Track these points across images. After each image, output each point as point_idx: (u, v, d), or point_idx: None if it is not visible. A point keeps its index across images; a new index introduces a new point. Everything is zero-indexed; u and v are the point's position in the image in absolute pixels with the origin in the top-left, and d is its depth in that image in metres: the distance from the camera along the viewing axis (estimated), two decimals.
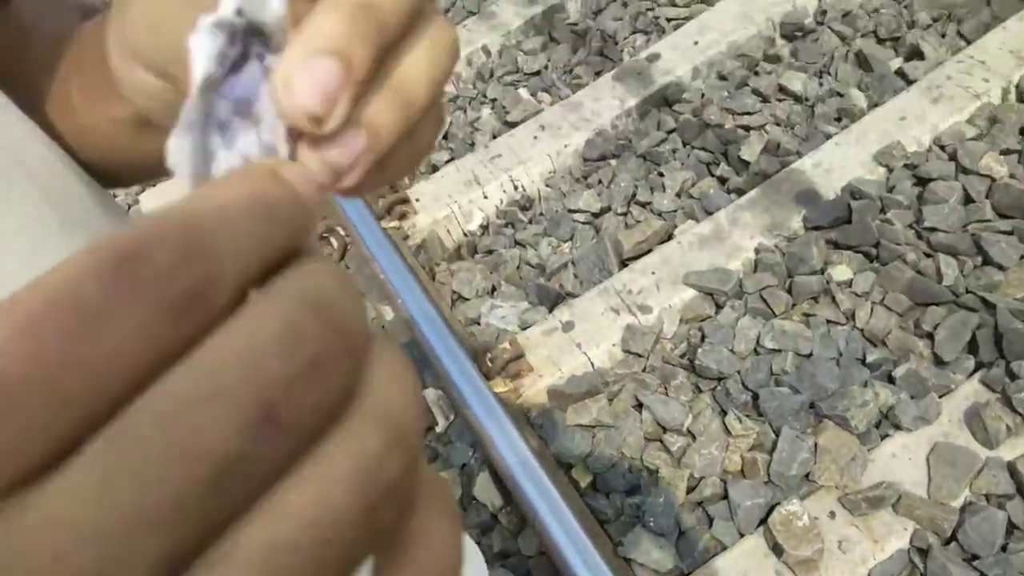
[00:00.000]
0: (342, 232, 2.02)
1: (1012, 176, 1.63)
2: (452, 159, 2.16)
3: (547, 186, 2.05)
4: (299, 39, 0.23)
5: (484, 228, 2.02)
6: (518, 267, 1.89)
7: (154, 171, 0.44)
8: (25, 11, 0.47)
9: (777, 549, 1.27)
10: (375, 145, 0.24)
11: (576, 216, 1.92)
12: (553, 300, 1.77)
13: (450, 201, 2.00)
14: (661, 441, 1.48)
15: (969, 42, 1.94)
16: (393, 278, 1.81)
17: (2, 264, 0.34)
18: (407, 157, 0.27)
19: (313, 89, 0.22)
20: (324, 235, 2.02)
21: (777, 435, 1.40)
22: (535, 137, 2.06)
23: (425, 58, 0.25)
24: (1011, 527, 1.24)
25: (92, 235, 0.39)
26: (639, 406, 1.53)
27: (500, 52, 2.40)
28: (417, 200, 2.02)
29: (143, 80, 0.32)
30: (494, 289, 1.86)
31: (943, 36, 2.00)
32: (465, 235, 2.02)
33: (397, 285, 1.80)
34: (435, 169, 2.13)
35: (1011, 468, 1.28)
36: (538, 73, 2.31)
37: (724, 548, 1.32)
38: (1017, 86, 1.81)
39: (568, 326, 1.66)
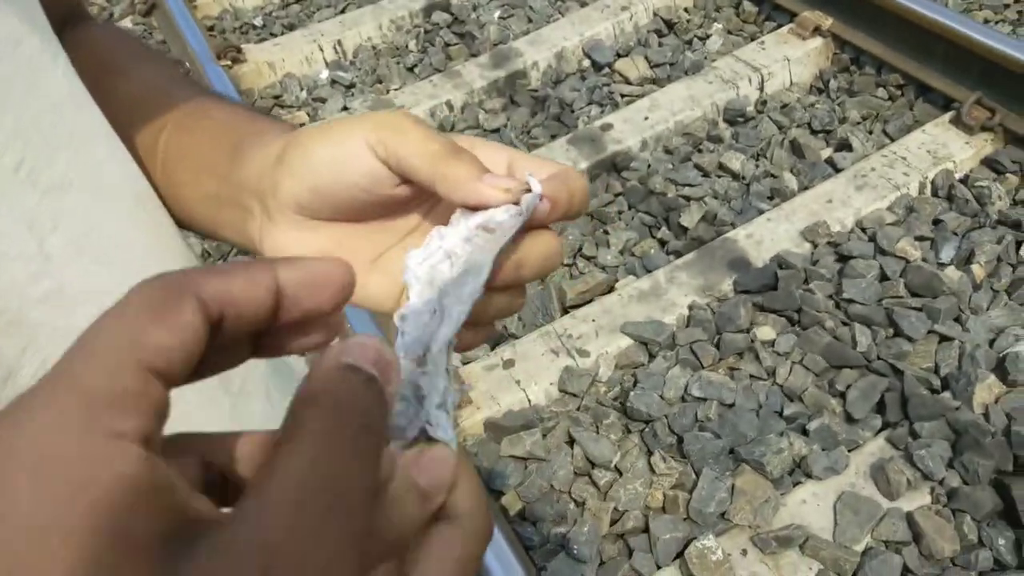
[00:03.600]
0: None
1: (924, 260, 1.79)
2: None
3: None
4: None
5: None
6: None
7: (192, 226, 0.53)
8: (118, 50, 0.56)
9: None
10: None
11: None
12: (496, 339, 1.85)
13: None
14: (589, 476, 1.55)
15: (893, 140, 2.13)
16: (350, 314, 1.87)
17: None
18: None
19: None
20: None
21: (698, 476, 1.48)
22: None
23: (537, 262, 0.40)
24: (905, 570, 1.33)
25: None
26: (571, 442, 1.60)
27: (463, 108, 2.53)
28: None
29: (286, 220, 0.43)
30: None
31: (870, 133, 2.19)
32: None
33: (349, 313, 1.85)
34: None
35: (909, 518, 1.38)
36: (497, 131, 2.43)
37: None
38: (933, 182, 1.99)
39: (508, 363, 1.73)
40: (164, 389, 0.24)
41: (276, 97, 2.68)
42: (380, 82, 2.71)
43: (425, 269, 0.36)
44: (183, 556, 0.21)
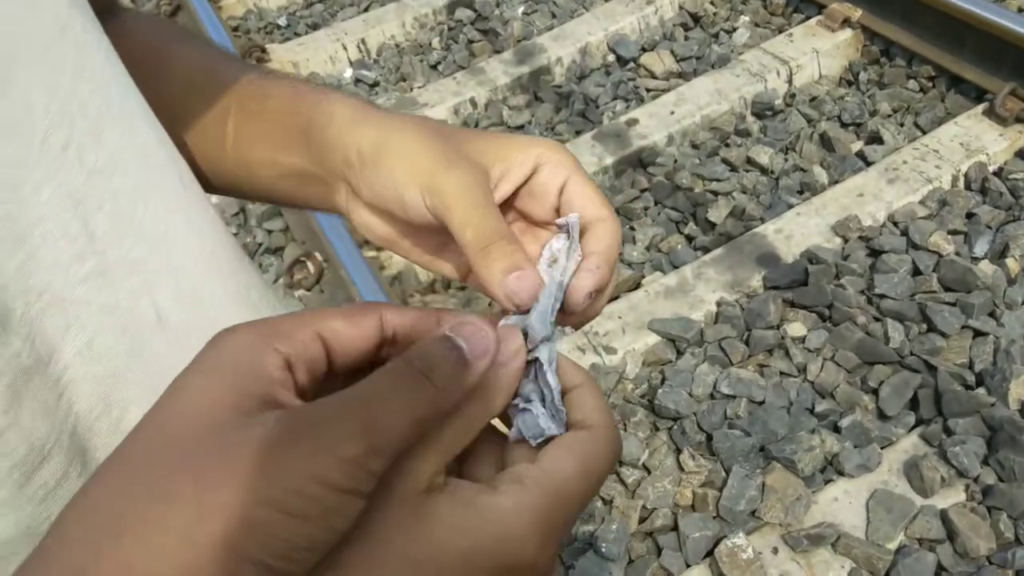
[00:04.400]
0: (319, 257, 2.07)
1: (958, 254, 1.76)
2: None
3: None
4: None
5: None
6: (490, 303, 1.96)
7: (269, 199, 0.59)
8: (158, 37, 0.58)
9: None
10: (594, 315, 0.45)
11: None
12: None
13: None
14: (617, 474, 1.54)
15: (924, 132, 2.10)
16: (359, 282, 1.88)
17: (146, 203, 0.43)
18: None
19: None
20: (301, 259, 2.07)
21: (727, 473, 1.46)
22: None
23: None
24: (940, 569, 1.31)
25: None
26: None
27: (487, 105, 2.52)
28: None
29: (369, 218, 0.49)
30: None
31: (901, 125, 2.16)
32: None
33: (359, 284, 1.86)
34: None
35: (943, 516, 1.36)
36: (522, 127, 2.42)
37: None
38: (965, 175, 1.96)
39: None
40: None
41: None
42: (404, 80, 2.72)
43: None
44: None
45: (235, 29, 3.12)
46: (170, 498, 0.28)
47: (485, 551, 0.31)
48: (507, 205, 0.47)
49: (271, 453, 0.28)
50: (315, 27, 3.05)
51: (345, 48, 2.82)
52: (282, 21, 3.15)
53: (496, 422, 0.39)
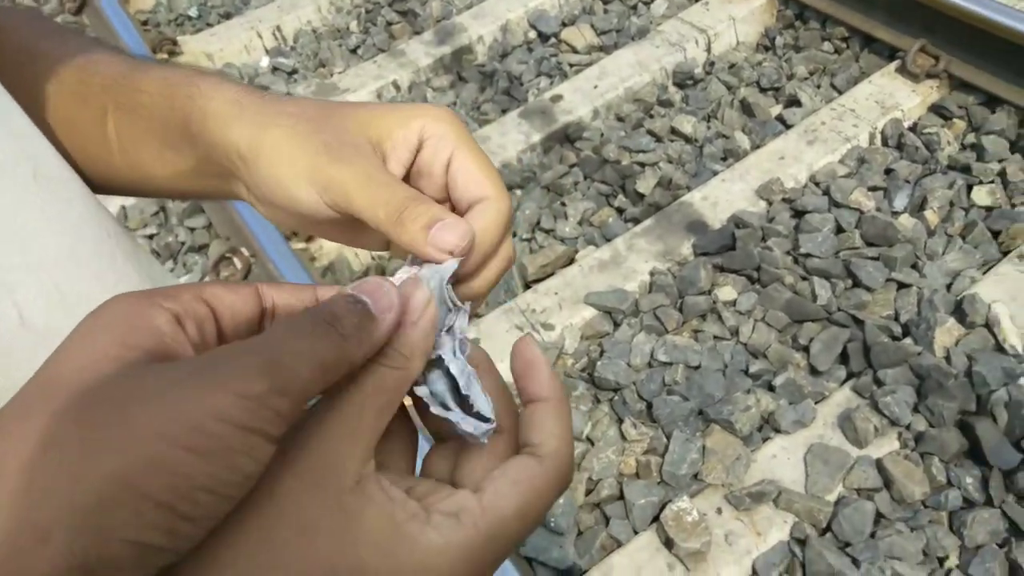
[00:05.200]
0: (246, 252, 2.02)
1: (878, 209, 1.80)
2: None
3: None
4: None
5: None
6: None
7: (175, 196, 0.57)
8: (27, 33, 0.55)
9: (669, 543, 1.34)
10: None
11: None
12: None
13: None
14: None
15: (841, 93, 2.14)
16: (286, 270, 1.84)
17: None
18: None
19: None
20: (227, 255, 2.02)
21: (669, 439, 1.48)
22: None
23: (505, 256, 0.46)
24: (879, 516, 1.35)
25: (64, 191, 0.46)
26: None
27: (410, 87, 2.49)
28: None
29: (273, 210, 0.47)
30: None
31: (818, 87, 2.20)
32: (372, 258, 2.07)
33: (286, 273, 1.83)
34: None
35: (879, 465, 1.40)
36: None
37: (620, 545, 1.39)
38: (882, 132, 2.00)
39: (474, 343, 1.71)
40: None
41: None
42: (323, 66, 2.66)
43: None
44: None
45: (144, 23, 3.01)
46: (56, 443, 0.26)
47: None
48: None
49: (167, 392, 0.27)
50: (228, 16, 2.96)
51: (260, 36, 2.75)
52: (193, 12, 3.05)
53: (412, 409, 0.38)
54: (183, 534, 0.26)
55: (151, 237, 2.16)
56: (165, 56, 2.63)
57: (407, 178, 0.45)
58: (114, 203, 2.22)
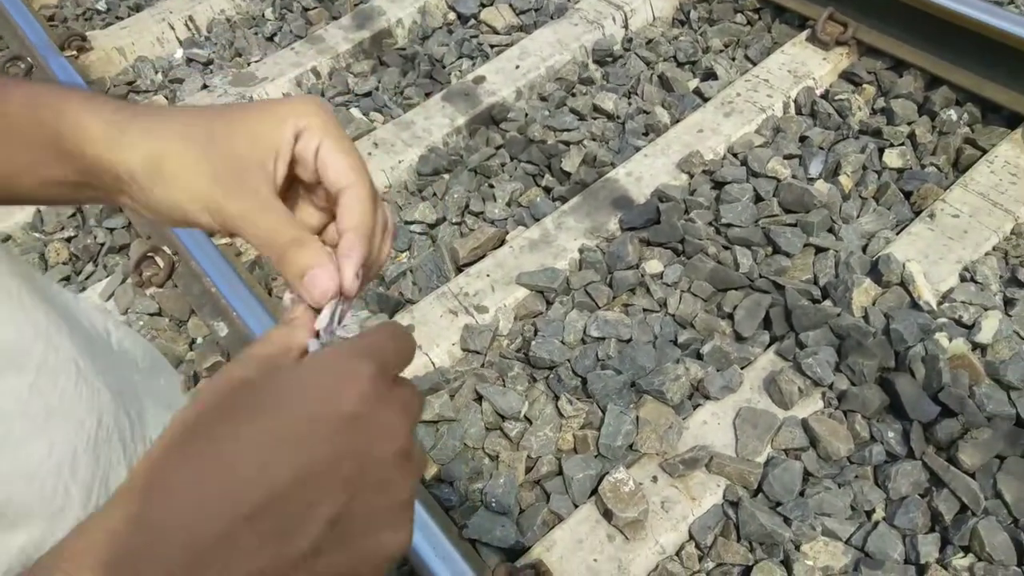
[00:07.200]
0: (168, 251, 1.98)
1: (794, 177, 1.86)
2: None
3: (383, 200, 2.10)
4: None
5: None
6: None
7: (49, 203, 0.59)
8: None
9: (608, 514, 1.38)
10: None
11: (413, 227, 2.00)
12: (393, 307, 1.83)
13: None
14: (501, 429, 1.56)
15: (754, 64, 2.19)
16: (228, 294, 1.80)
17: None
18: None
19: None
20: (149, 255, 1.97)
21: (604, 412, 1.51)
22: (369, 153, 2.12)
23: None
24: (807, 474, 1.41)
25: None
26: (479, 399, 1.61)
27: (330, 74, 2.46)
28: None
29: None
30: None
31: (733, 59, 2.24)
32: None
33: (233, 301, 1.79)
34: None
35: (804, 424, 1.46)
36: (369, 94, 2.38)
37: (561, 520, 1.42)
38: (796, 100, 2.06)
39: (408, 330, 1.71)
40: None
41: (130, 83, 2.55)
42: (240, 55, 2.61)
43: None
44: None
45: (50, 19, 2.90)
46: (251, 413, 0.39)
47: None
48: (288, 176, 0.49)
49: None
50: (138, 8, 2.87)
51: (172, 27, 2.68)
52: (101, 5, 2.95)
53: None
54: None
55: (69, 240, 2.10)
56: (74, 53, 2.54)
57: (291, 167, 0.49)
58: (28, 208, 2.15)
